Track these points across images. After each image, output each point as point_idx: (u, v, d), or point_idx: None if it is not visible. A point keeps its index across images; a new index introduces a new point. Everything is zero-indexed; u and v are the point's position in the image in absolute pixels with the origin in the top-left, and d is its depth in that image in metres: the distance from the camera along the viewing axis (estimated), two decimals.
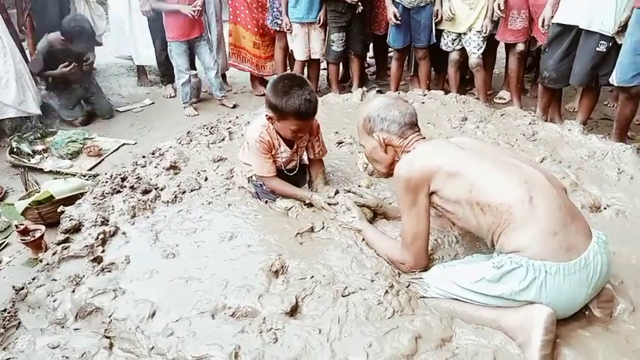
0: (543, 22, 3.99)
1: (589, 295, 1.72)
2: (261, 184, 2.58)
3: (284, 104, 2.26)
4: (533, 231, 1.66)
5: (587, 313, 1.80)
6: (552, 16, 3.90)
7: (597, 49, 3.65)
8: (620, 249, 2.13)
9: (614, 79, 3.56)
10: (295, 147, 2.55)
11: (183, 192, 2.67)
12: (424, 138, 2.02)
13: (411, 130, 1.99)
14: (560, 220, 1.67)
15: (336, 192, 2.42)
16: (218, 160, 3.06)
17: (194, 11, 4.73)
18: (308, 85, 2.33)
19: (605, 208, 2.50)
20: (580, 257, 1.65)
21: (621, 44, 3.51)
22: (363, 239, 2.19)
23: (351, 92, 4.55)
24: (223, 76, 5.77)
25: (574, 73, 3.88)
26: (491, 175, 1.76)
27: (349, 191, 2.45)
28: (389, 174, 2.08)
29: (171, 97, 5.70)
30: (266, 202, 2.55)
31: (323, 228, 2.29)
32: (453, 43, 4.69)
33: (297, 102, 2.24)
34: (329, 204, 2.37)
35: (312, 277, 1.95)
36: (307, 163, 2.73)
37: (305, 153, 2.67)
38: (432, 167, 1.83)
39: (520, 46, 4.53)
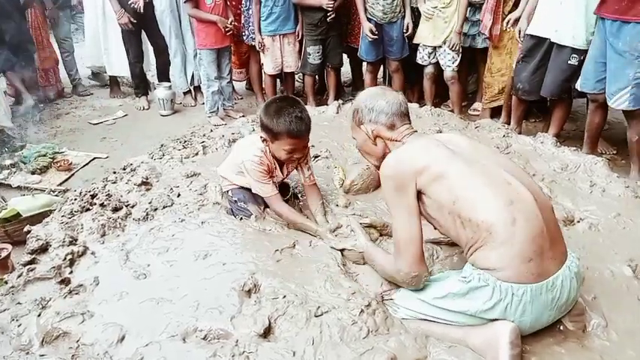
0: (519, 34, 4.03)
1: (553, 317, 1.73)
2: (235, 200, 2.54)
3: (275, 124, 2.28)
4: (508, 254, 1.63)
5: (561, 327, 1.80)
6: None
7: (569, 62, 3.70)
8: (592, 263, 2.15)
9: (578, 85, 3.64)
10: (286, 172, 2.59)
11: (155, 209, 2.61)
12: (416, 131, 1.96)
13: (401, 121, 1.94)
14: (538, 247, 1.64)
15: (337, 227, 2.37)
16: (191, 176, 3.00)
17: (227, 28, 4.74)
18: (299, 104, 2.36)
19: (579, 222, 2.51)
20: (548, 280, 1.65)
21: None
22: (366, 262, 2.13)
23: (327, 105, 4.55)
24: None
25: (545, 85, 3.92)
26: (477, 189, 1.69)
27: (353, 214, 2.42)
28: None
29: (144, 109, 5.63)
30: (241, 218, 2.51)
31: (310, 245, 2.26)
32: (428, 57, 4.72)
33: (288, 120, 2.27)
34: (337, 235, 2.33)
35: (285, 296, 1.91)
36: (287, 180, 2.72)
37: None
38: (418, 164, 1.76)
39: None
